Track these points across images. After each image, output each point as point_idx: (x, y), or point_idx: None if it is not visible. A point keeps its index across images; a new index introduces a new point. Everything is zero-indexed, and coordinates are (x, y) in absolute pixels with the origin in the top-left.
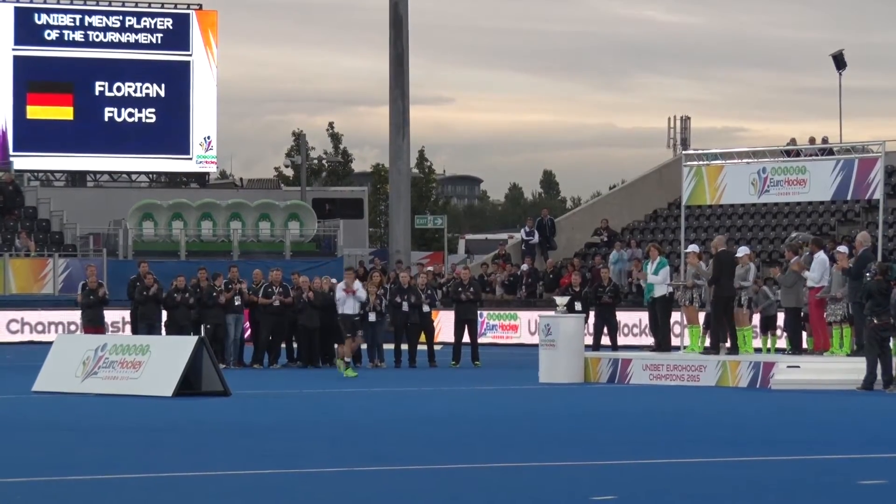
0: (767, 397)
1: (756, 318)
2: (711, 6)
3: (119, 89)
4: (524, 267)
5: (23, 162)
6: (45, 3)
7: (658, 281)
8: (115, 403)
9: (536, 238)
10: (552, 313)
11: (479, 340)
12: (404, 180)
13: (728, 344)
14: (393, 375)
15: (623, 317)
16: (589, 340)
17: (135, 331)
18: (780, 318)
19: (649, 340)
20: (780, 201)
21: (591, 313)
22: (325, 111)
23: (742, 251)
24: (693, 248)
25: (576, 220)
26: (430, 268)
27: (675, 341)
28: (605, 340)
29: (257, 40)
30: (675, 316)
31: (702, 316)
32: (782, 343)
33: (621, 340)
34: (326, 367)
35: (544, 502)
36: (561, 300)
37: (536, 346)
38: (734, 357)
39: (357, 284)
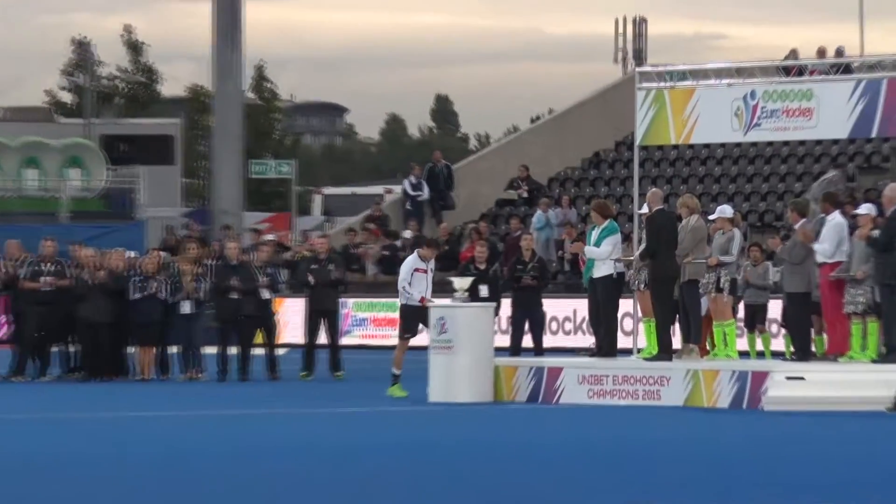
0: (758, 422)
1: (741, 309)
2: None
3: None
4: (407, 234)
5: None
6: None
7: (602, 255)
8: None
9: (426, 193)
10: (447, 301)
11: (343, 341)
12: (234, 109)
13: (691, 345)
14: (216, 392)
15: (552, 307)
16: (502, 341)
17: None
18: (776, 308)
19: (589, 340)
20: (776, 140)
21: (506, 301)
22: (119, 9)
23: (722, 212)
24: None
25: (482, 168)
26: (272, 236)
27: (624, 342)
28: (527, 341)
29: None
30: (627, 305)
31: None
32: (779, 343)
33: (549, 341)
34: (120, 379)
35: None
36: (460, 283)
37: (425, 349)
38: (711, 364)
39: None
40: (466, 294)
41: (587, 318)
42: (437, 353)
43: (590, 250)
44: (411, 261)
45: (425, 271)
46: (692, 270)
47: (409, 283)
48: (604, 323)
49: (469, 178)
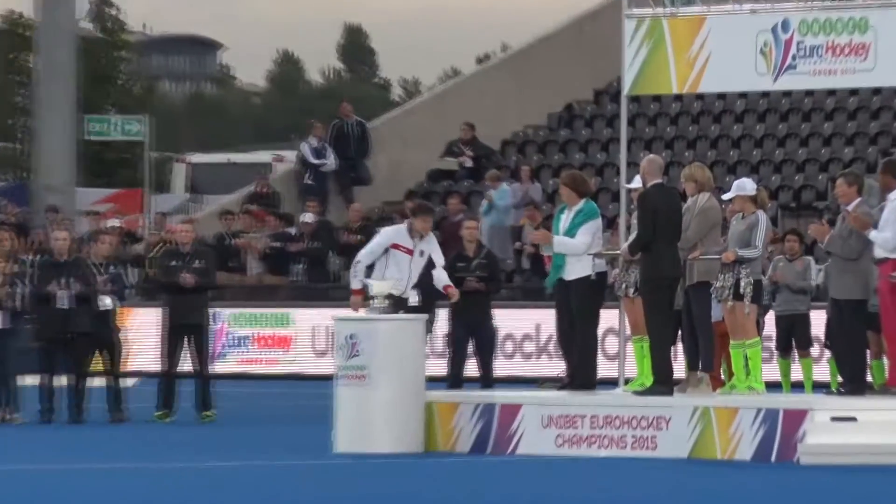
0: (792, 480)
1: (770, 322)
2: None
3: None
4: (307, 218)
5: None
6: None
7: (577, 249)
8: None
9: (331, 162)
10: (361, 313)
11: (215, 368)
12: (65, 46)
13: (699, 373)
14: (36, 438)
15: (506, 320)
16: (438, 368)
17: None
18: (818, 320)
19: (558, 366)
20: (817, 89)
21: (443, 312)
22: None
23: (742, 188)
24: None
25: (410, 127)
26: (116, 222)
27: (607, 369)
28: (472, 367)
29: None
30: (611, 316)
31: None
32: (822, 371)
33: (502, 367)
34: None
35: None
36: (379, 287)
37: (329, 378)
38: (727, 400)
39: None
40: (387, 302)
41: (555, 335)
42: (345, 384)
43: (560, 242)
44: (392, 232)
45: (410, 252)
46: (701, 269)
47: (378, 265)
48: (578, 342)
49: (392, 141)
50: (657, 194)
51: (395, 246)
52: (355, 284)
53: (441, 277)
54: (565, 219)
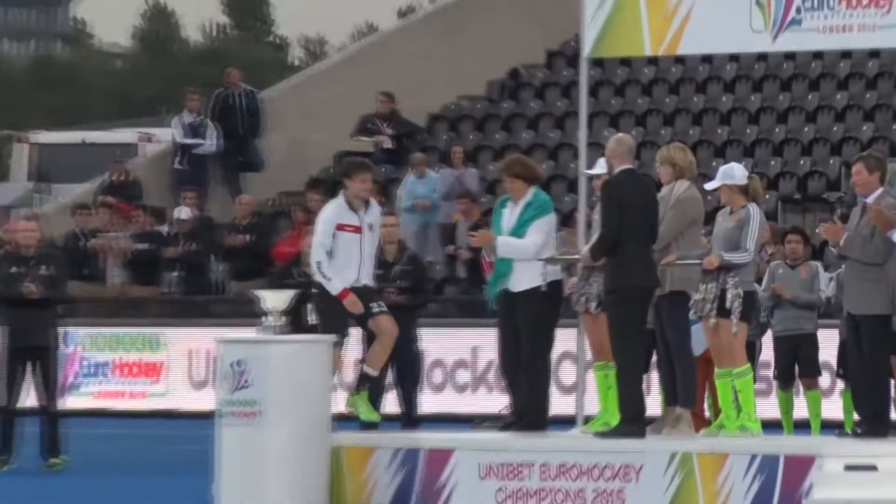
0: None
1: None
2: None
3: None
4: (182, 214)
5: None
6: None
7: (526, 252)
8: None
9: (213, 142)
10: (251, 334)
11: (66, 403)
12: None
13: (678, 409)
14: None
15: (436, 340)
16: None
17: None
18: (829, 342)
19: (500, 401)
20: (826, 50)
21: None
22: None
23: (729, 175)
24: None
25: (313, 98)
26: None
27: (562, 403)
28: (391, 401)
29: None
30: (567, 337)
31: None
32: (833, 406)
33: (429, 402)
34: None
35: None
36: (274, 300)
37: (210, 416)
38: (713, 444)
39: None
40: (284, 319)
41: (498, 361)
42: (231, 423)
43: (505, 244)
44: (332, 211)
45: (358, 229)
46: (677, 278)
47: (330, 254)
48: (526, 371)
49: (290, 116)
50: (626, 183)
51: (339, 227)
52: (335, 287)
53: None
54: (510, 214)
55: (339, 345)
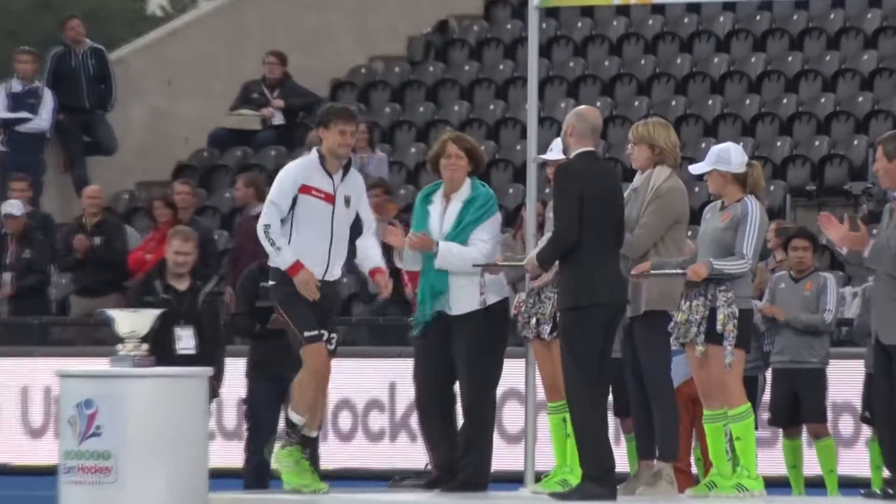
0: None
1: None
2: None
3: None
4: (10, 209)
5: None
6: None
7: (462, 261)
8: None
9: (48, 117)
10: (101, 366)
11: None
12: None
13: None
14: None
15: (343, 373)
16: (230, 452)
17: None
18: (849, 378)
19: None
20: None
21: (235, 363)
22: None
23: (724, 159)
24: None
25: (178, 59)
26: None
27: (507, 456)
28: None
29: None
30: (513, 371)
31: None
32: (856, 460)
33: (335, 453)
34: None
35: None
36: (133, 322)
37: (51, 472)
38: None
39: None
40: (145, 347)
41: (417, 402)
42: (77, 481)
43: (448, 252)
44: (298, 167)
45: (330, 198)
46: (656, 292)
47: (289, 225)
48: (466, 414)
49: (149, 84)
50: (585, 169)
51: (305, 189)
52: (286, 258)
53: (368, 252)
54: (442, 212)
55: (316, 339)
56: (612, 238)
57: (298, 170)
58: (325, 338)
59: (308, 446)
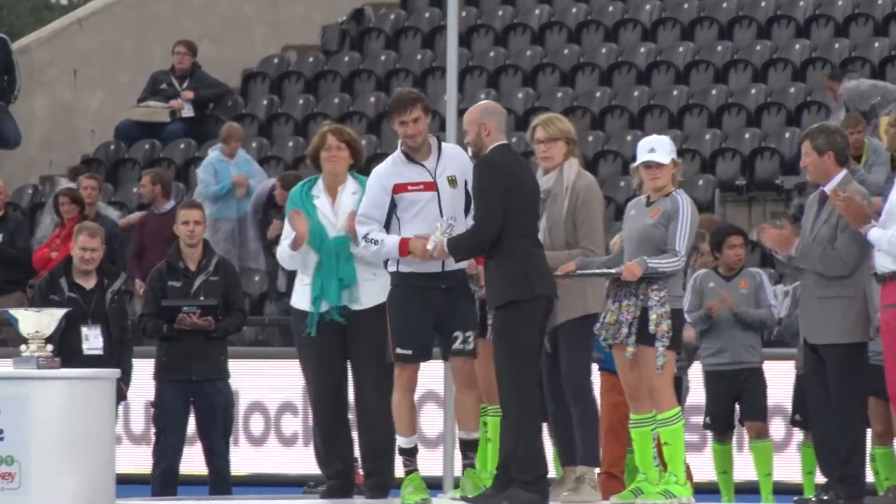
0: None
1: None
2: None
3: None
4: None
5: None
6: None
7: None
8: None
9: None
10: (4, 367)
11: None
12: None
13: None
14: None
15: (253, 376)
16: (138, 457)
17: None
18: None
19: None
20: None
21: (144, 366)
22: None
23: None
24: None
25: (83, 48)
26: None
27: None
28: (193, 456)
29: None
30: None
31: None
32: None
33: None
34: None
35: None
36: (34, 321)
37: None
38: None
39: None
40: (50, 348)
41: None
42: None
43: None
44: (384, 170)
45: (432, 186)
46: (578, 292)
47: (396, 226)
48: (372, 417)
49: (53, 74)
50: (508, 163)
51: (399, 188)
52: (390, 245)
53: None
54: (329, 204)
55: (406, 359)
56: (537, 231)
57: (385, 172)
58: (458, 339)
59: (471, 450)
